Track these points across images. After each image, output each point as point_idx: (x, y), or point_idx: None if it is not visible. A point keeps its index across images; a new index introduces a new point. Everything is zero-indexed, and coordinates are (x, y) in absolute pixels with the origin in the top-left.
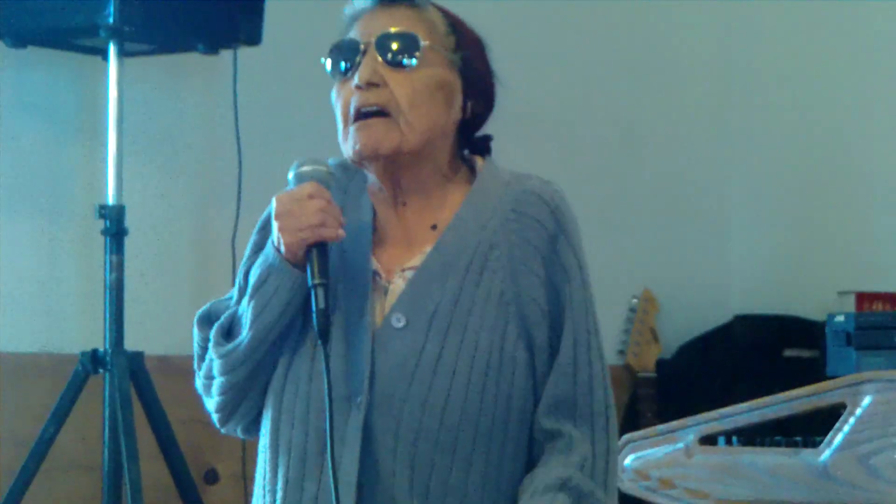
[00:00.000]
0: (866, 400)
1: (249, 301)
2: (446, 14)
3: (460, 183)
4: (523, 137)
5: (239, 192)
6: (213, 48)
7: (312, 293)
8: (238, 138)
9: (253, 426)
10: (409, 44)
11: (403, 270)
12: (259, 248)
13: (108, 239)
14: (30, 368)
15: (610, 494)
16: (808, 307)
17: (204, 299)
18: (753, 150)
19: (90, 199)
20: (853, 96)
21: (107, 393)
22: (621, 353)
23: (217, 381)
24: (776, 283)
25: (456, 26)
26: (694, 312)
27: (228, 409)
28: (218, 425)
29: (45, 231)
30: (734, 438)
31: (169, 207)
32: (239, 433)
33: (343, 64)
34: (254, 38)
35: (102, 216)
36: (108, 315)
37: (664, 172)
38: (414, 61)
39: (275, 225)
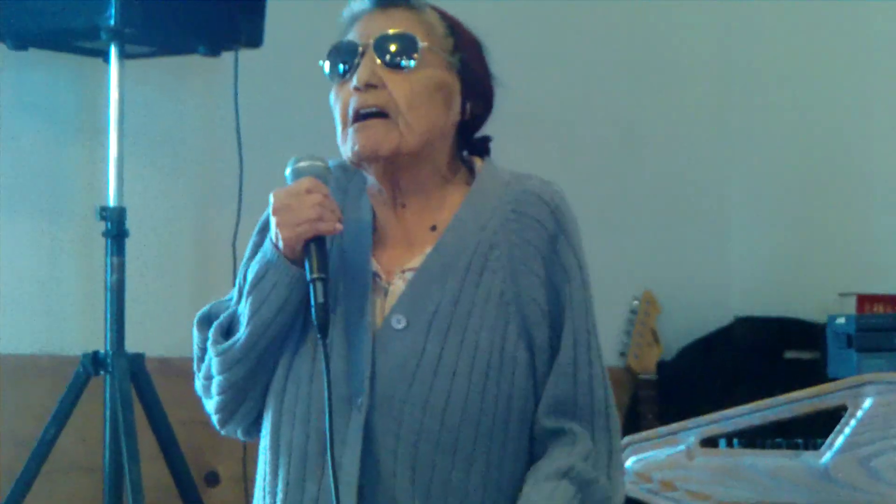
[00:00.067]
0: (867, 402)
1: (247, 297)
2: (444, 16)
3: (459, 184)
4: (523, 137)
5: (240, 194)
6: (214, 50)
7: (311, 288)
8: (239, 140)
9: (253, 428)
10: (408, 45)
11: (403, 272)
12: (258, 249)
13: (108, 241)
14: (30, 369)
15: (615, 486)
16: (809, 309)
17: (204, 301)
18: (753, 151)
19: (90, 200)
20: (853, 96)
21: (107, 395)
22: (622, 354)
23: (216, 380)
24: (777, 284)
25: (454, 28)
26: (695, 314)
27: (228, 410)
28: (218, 427)
29: (45, 232)
30: (735, 440)
31: (170, 209)
32: (239, 435)
33: (341, 66)
34: (255, 40)
35: (103, 218)
36: (108, 317)
37: (664, 173)
38: (412, 63)
39: (273, 220)
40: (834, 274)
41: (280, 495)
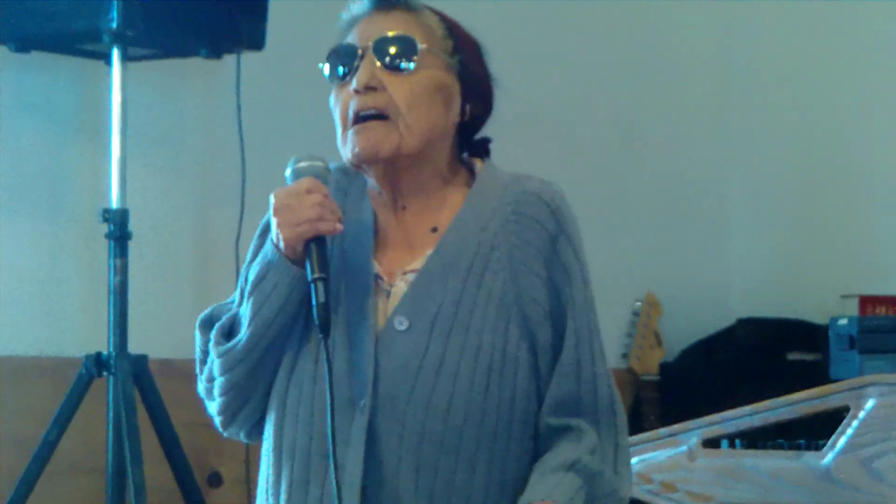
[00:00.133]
0: (869, 403)
1: (248, 298)
2: (443, 17)
3: (459, 185)
4: (523, 138)
5: (242, 196)
6: (216, 53)
7: (312, 288)
8: (241, 142)
9: (256, 430)
10: (407, 47)
11: (405, 273)
12: (260, 252)
13: (111, 243)
14: (31, 371)
15: (621, 480)
16: (811, 310)
17: (207, 302)
18: (753, 151)
19: (92, 201)
20: (853, 96)
21: (110, 396)
22: (624, 356)
23: (218, 382)
24: (779, 286)
25: (453, 29)
26: (696, 316)
27: (231, 411)
28: (221, 429)
29: (47, 233)
30: (737, 442)
31: (172, 211)
32: (242, 437)
33: (341, 68)
34: (257, 43)
35: (106, 220)
36: (111, 319)
37: (664, 173)
38: (412, 65)
39: (273, 221)
40: (836, 275)
41: (283, 497)
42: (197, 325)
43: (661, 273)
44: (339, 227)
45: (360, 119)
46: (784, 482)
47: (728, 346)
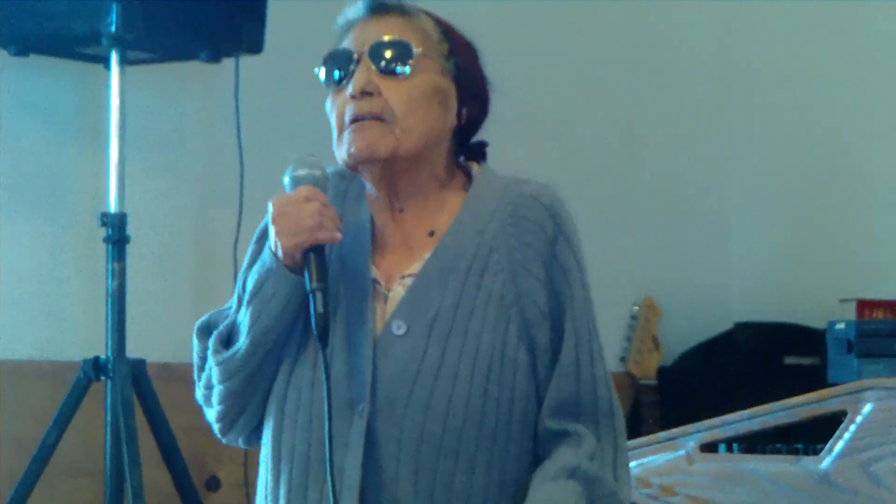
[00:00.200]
0: (867, 407)
1: (247, 306)
2: (438, 21)
3: (456, 189)
4: (523, 138)
5: (241, 199)
6: (215, 56)
7: (311, 298)
8: (240, 145)
9: (254, 436)
10: (403, 52)
11: (403, 277)
12: (257, 257)
13: (110, 246)
14: (30, 374)
15: (621, 484)
16: (809, 314)
17: (205, 307)
18: (753, 152)
19: (91, 204)
20: (853, 96)
21: (109, 400)
22: (623, 360)
23: (216, 390)
24: (777, 290)
25: (448, 33)
26: (695, 319)
27: (229, 419)
28: (219, 436)
29: (46, 236)
30: (735, 446)
31: (171, 213)
32: (241, 443)
33: (337, 73)
34: (255, 46)
35: (104, 224)
36: (109, 323)
37: (664, 173)
38: (408, 69)
39: (272, 229)
40: (834, 279)
41: (282, 502)
42: (194, 331)
43: (660, 276)
44: (338, 235)
45: (356, 120)
46: (782, 486)
47: (726, 349)
